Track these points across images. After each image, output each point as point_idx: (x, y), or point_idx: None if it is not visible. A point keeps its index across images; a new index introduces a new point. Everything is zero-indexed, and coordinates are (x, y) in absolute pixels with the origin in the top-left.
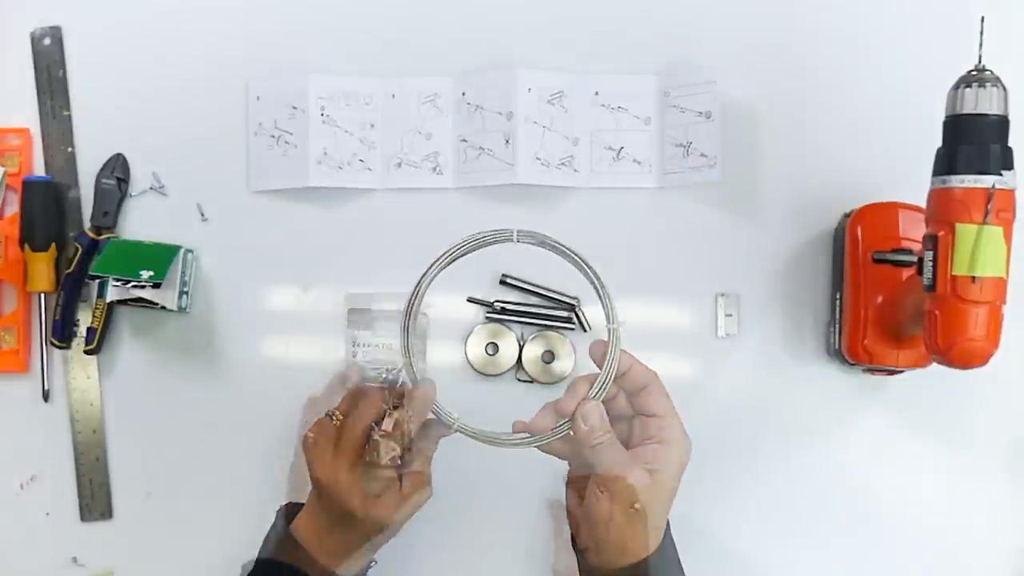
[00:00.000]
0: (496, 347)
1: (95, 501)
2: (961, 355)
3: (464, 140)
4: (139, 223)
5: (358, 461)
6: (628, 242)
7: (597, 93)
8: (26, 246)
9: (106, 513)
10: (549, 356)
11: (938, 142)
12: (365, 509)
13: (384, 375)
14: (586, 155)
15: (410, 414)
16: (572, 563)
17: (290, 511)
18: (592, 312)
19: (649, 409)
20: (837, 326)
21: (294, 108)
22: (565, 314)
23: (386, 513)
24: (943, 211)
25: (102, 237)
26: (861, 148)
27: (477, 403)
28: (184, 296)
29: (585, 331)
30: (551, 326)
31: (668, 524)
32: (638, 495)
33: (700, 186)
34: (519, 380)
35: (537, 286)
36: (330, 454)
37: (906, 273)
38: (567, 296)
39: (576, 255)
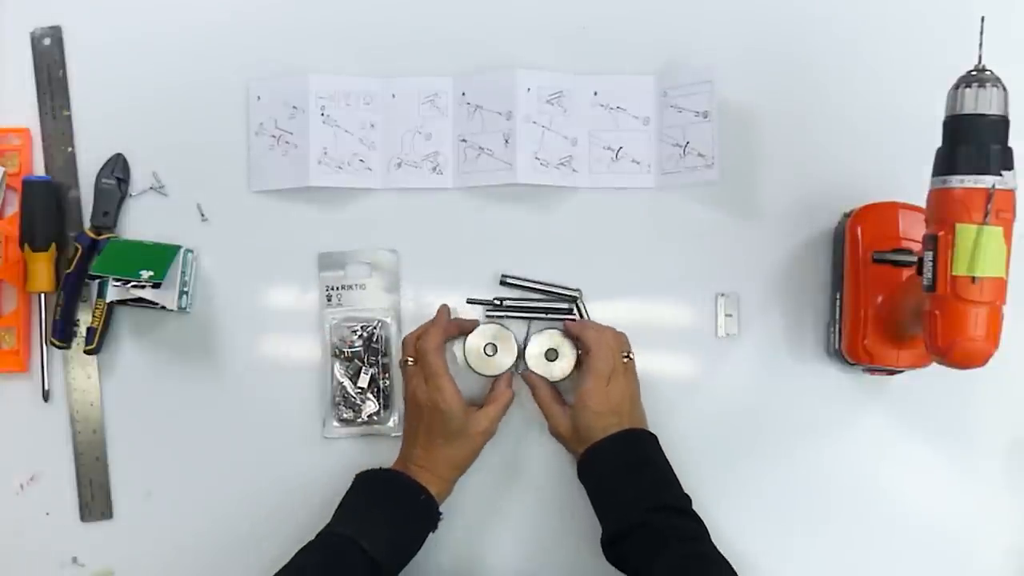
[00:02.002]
0: (495, 348)
1: (95, 501)
2: (961, 355)
3: (464, 140)
4: (139, 223)
5: (445, 379)
6: (627, 242)
7: (596, 93)
8: (26, 246)
9: (106, 513)
10: (553, 354)
11: (938, 142)
12: (465, 416)
13: (361, 333)
14: (585, 155)
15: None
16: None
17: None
18: (592, 306)
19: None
20: (837, 326)
21: (294, 108)
22: (566, 306)
23: (482, 417)
24: (943, 211)
25: (102, 237)
26: (861, 148)
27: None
28: (184, 296)
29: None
30: (552, 318)
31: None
32: (628, 344)
33: (699, 186)
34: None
35: (537, 282)
36: (419, 378)
37: (906, 273)
38: (568, 289)
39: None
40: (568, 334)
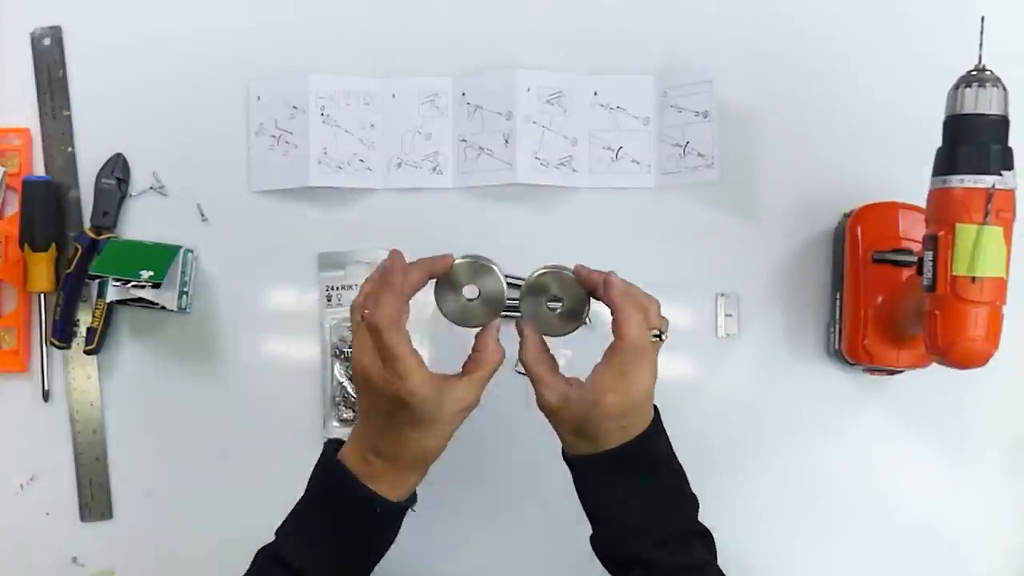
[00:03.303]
0: (477, 291)
1: (95, 501)
2: (961, 355)
3: (464, 140)
4: (139, 223)
5: (410, 361)
6: (627, 242)
7: (596, 93)
8: (26, 246)
9: (106, 513)
10: (556, 303)
11: (938, 142)
12: (438, 396)
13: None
14: (585, 155)
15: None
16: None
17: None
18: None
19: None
20: (837, 326)
21: (294, 108)
22: None
23: (463, 388)
24: (943, 211)
25: (102, 237)
26: (861, 148)
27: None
28: (184, 296)
29: (585, 324)
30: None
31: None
32: (660, 314)
33: (699, 186)
34: (517, 373)
35: None
36: (371, 352)
37: (906, 273)
38: None
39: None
40: (583, 281)
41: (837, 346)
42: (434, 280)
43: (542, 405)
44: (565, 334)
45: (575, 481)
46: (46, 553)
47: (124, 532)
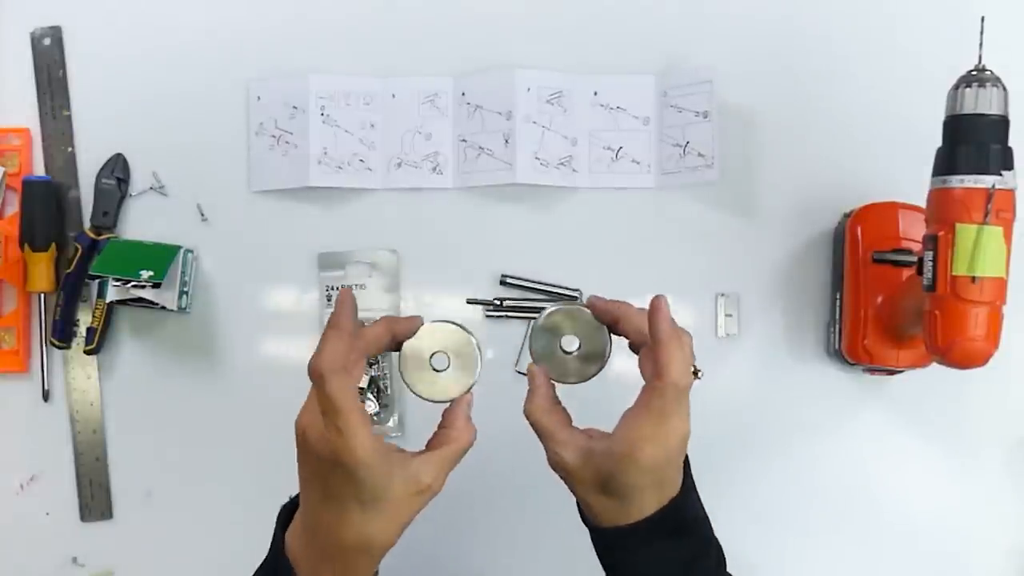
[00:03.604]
0: (447, 360)
1: (95, 501)
2: (961, 355)
3: (464, 140)
4: (139, 223)
5: (352, 416)
6: (627, 242)
7: (596, 93)
8: (26, 246)
9: (106, 513)
10: (571, 343)
11: (938, 142)
12: (387, 470)
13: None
14: (585, 155)
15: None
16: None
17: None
18: None
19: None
20: (837, 326)
21: (294, 108)
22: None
23: (421, 468)
24: (943, 211)
25: (102, 237)
26: (861, 148)
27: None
28: (184, 296)
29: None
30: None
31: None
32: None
33: (699, 186)
34: (518, 372)
35: (537, 282)
36: (312, 406)
37: (906, 273)
38: (568, 289)
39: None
40: (600, 315)
41: (837, 346)
42: (399, 346)
43: (556, 465)
44: (585, 380)
45: (599, 550)
46: (46, 553)
47: (124, 532)
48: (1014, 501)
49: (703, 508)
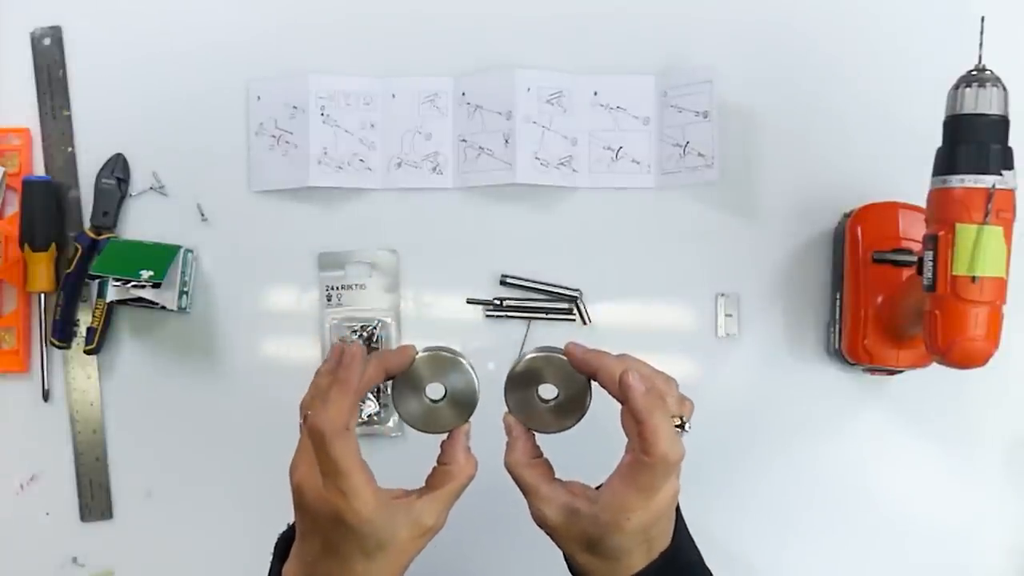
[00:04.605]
0: (444, 391)
1: (95, 501)
2: (961, 355)
3: (464, 140)
4: (139, 223)
5: (358, 478)
6: (627, 242)
7: (596, 93)
8: (26, 246)
9: (106, 513)
10: (549, 391)
11: (938, 142)
12: (390, 519)
13: (361, 334)
14: (585, 155)
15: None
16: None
17: (287, 538)
18: (592, 306)
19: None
20: (837, 326)
21: (294, 108)
22: (566, 306)
23: (422, 510)
24: (943, 211)
25: (102, 237)
26: (861, 148)
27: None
28: (184, 296)
29: (585, 323)
30: (552, 319)
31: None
32: (679, 396)
33: (699, 186)
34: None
35: (537, 282)
36: (309, 462)
37: (906, 273)
38: (568, 289)
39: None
40: (577, 366)
41: (837, 346)
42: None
43: (539, 521)
44: (563, 430)
45: None
46: (46, 553)
47: (124, 532)
48: (1014, 501)
49: (696, 551)
